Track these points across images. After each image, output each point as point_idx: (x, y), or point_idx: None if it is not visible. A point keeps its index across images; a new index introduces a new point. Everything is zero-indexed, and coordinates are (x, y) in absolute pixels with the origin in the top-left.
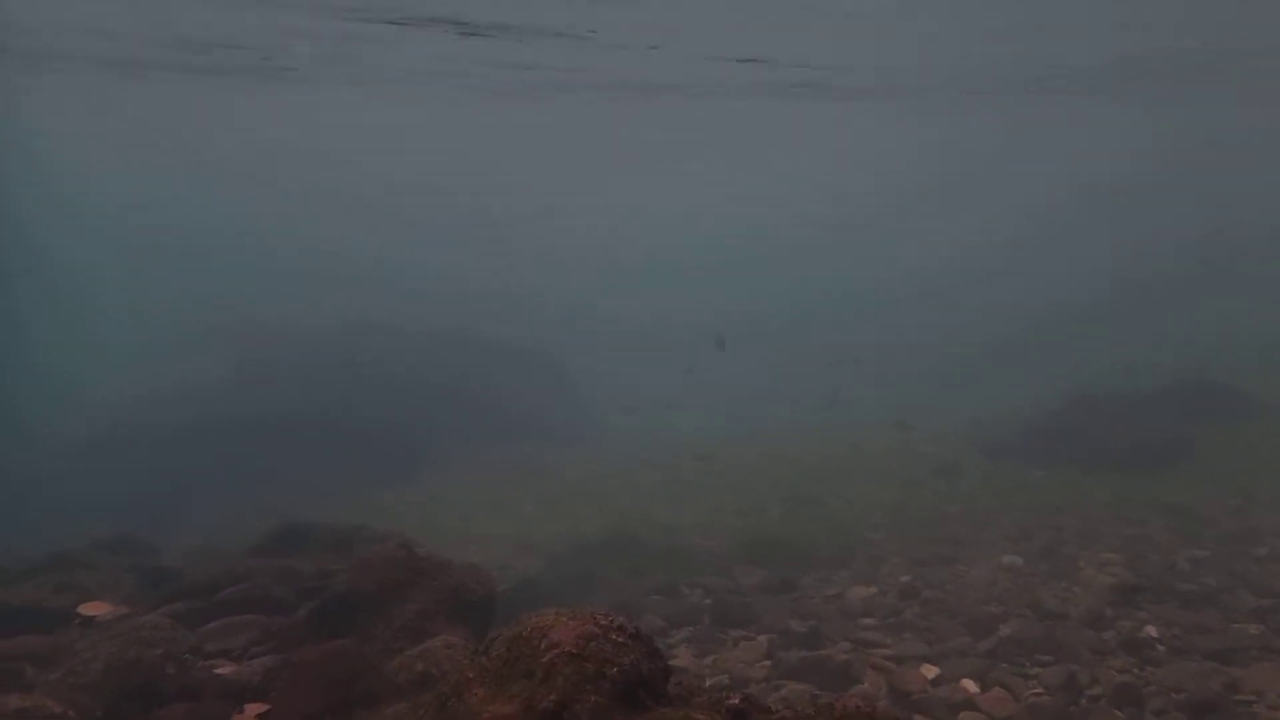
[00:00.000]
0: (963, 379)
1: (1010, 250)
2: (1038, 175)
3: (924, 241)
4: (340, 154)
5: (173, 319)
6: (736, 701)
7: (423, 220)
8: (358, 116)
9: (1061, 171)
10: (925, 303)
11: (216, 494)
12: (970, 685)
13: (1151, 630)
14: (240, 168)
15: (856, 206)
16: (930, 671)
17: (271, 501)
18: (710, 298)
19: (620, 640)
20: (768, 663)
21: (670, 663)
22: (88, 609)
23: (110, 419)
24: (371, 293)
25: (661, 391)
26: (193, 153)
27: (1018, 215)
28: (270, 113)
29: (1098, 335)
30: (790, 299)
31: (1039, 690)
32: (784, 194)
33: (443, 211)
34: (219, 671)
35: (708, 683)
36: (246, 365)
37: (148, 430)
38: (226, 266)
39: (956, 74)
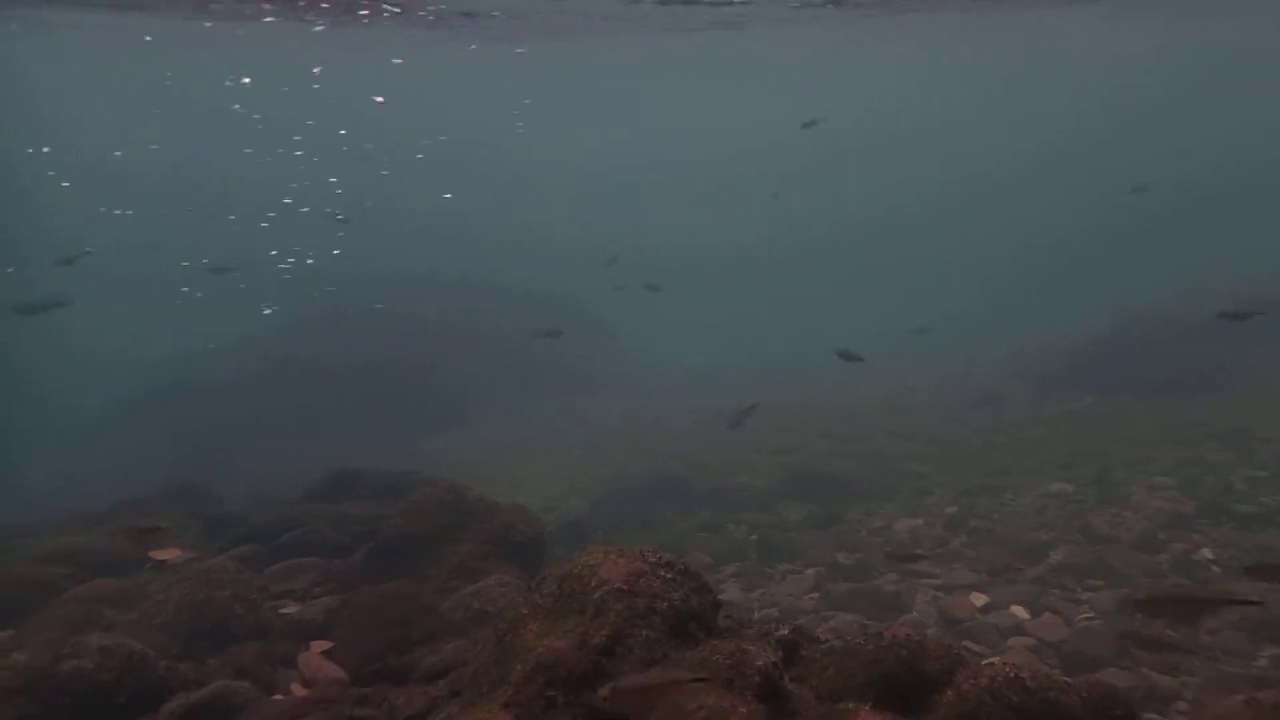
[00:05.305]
0: (1005, 306)
1: (1054, 167)
2: (1069, 90)
3: (955, 163)
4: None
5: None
6: (786, 632)
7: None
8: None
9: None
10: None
11: (266, 444)
12: (1020, 611)
13: (1207, 552)
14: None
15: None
16: (979, 599)
17: (320, 451)
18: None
19: (669, 576)
20: (816, 595)
21: (719, 598)
22: (158, 554)
23: (165, 374)
24: (411, 244)
25: (698, 335)
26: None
27: (1057, 129)
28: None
29: (1148, 258)
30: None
31: (1090, 614)
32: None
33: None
34: (284, 611)
35: (756, 615)
36: (296, 319)
37: (200, 384)
38: (269, 220)
39: None
